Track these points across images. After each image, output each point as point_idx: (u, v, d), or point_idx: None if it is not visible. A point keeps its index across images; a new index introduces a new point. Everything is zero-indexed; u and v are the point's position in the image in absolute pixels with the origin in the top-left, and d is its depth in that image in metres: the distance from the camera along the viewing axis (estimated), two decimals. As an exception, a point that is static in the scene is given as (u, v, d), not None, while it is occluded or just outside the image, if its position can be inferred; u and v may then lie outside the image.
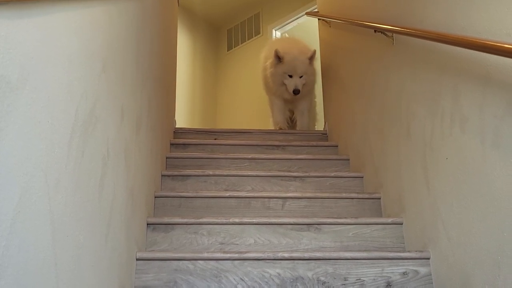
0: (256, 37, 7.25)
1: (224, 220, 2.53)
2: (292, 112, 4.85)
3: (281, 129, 4.54)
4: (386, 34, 2.75)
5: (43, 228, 1.06)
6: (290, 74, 4.27)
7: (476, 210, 1.85)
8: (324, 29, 4.54)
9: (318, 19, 4.60)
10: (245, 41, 7.46)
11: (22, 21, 0.95)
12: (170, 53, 4.01)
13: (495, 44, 1.57)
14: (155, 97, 2.78)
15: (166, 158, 3.44)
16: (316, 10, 4.98)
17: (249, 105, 6.97)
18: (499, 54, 1.56)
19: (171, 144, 3.78)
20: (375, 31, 2.84)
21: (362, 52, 3.36)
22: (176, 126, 4.31)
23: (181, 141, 3.84)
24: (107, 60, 1.61)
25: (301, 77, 4.28)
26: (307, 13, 4.79)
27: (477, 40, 1.69)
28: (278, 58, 4.25)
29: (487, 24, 1.77)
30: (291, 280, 2.21)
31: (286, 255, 2.24)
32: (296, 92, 4.24)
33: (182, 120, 6.24)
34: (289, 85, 4.27)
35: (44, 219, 1.06)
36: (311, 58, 4.31)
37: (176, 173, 3.14)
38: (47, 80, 1.07)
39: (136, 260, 2.17)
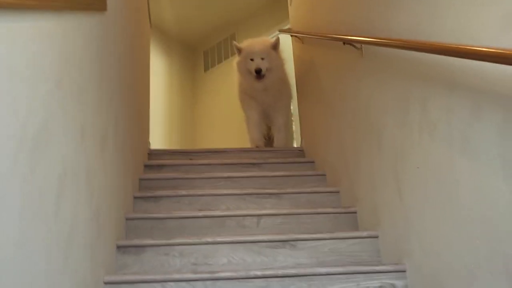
0: (232, 57, 7.25)
1: (196, 240, 2.47)
2: (269, 128, 4.82)
3: (257, 147, 4.49)
4: (355, 46, 2.73)
5: (-18, 248, 0.99)
6: (251, 57, 4.32)
7: (449, 219, 1.81)
8: (297, 46, 4.54)
9: (291, 35, 4.61)
10: (222, 61, 7.47)
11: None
12: (142, 73, 3.97)
13: (459, 46, 1.55)
14: (123, 118, 2.72)
15: (140, 179, 3.37)
16: (289, 27, 4.99)
17: (227, 124, 6.95)
18: (463, 56, 1.54)
19: (145, 166, 3.71)
20: (344, 43, 2.82)
21: (333, 66, 3.35)
22: (151, 148, 4.24)
23: (155, 162, 3.78)
24: (62, 76, 1.55)
25: (263, 59, 4.30)
26: (280, 30, 4.80)
27: (442, 44, 1.67)
28: (238, 50, 4.42)
29: (451, 30, 1.76)
30: (265, 299, 2.15)
31: (259, 273, 2.18)
32: (258, 71, 4.24)
33: (159, 141, 6.18)
34: (251, 67, 4.30)
35: (-17, 239, 0.99)
36: (274, 45, 4.35)
37: (148, 194, 3.08)
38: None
39: (104, 283, 2.10)
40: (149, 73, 4.64)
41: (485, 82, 1.57)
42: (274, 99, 4.54)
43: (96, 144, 2.00)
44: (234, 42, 4.51)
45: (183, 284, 2.14)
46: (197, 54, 7.96)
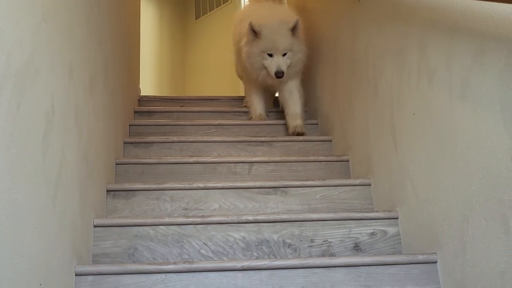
0: (224, 4, 7.09)
1: (187, 185, 2.44)
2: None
3: (261, 119, 3.68)
4: (352, -10, 2.65)
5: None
6: (270, 52, 3.24)
7: (444, 166, 1.79)
8: (292, -8, 4.42)
9: (285, -19, 4.47)
10: (214, 9, 7.29)
11: None
12: (133, 19, 3.86)
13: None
14: (113, 61, 2.65)
15: (130, 125, 3.31)
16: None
17: (219, 73, 6.85)
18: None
19: (135, 112, 3.66)
20: (341, -13, 2.74)
21: (329, 12, 3.27)
22: (141, 94, 4.18)
23: (145, 108, 3.73)
24: (48, 9, 1.48)
25: (284, 54, 3.24)
26: (274, -24, 4.64)
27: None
28: (254, 33, 3.24)
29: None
30: (256, 244, 2.14)
31: (250, 218, 2.17)
32: (279, 74, 3.21)
33: (149, 89, 6.09)
34: (271, 67, 3.23)
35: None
36: (294, 28, 3.25)
37: (139, 140, 3.03)
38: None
39: (94, 227, 2.07)
40: (139, 19, 4.52)
41: (488, 26, 1.52)
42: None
43: (85, 85, 1.94)
44: (251, 22, 3.20)
45: (174, 228, 2.12)
46: (189, 1, 7.77)
